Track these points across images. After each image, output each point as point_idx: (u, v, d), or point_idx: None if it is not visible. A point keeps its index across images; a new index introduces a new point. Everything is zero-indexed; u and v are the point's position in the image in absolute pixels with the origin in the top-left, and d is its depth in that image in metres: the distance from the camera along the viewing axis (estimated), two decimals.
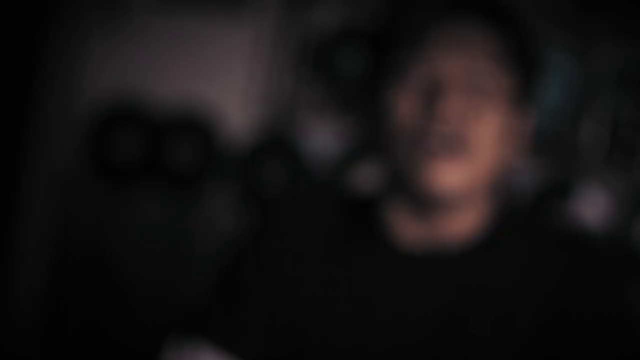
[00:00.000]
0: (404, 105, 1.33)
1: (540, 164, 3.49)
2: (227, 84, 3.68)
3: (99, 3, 3.69)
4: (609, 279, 1.36)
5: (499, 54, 1.35)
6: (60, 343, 3.75)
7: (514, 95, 1.37)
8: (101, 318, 3.74)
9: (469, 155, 1.32)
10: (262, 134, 3.64)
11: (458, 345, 1.31)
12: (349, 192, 1.58)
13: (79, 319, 3.76)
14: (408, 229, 1.38)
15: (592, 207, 3.45)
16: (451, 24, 1.36)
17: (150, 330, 3.74)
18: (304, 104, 3.62)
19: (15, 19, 3.51)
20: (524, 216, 1.45)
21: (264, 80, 3.66)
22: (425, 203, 1.34)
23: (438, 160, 1.31)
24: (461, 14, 1.36)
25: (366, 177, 3.51)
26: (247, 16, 3.65)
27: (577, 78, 3.51)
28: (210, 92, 3.68)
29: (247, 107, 3.67)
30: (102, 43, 3.71)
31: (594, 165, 3.47)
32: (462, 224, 1.37)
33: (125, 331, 3.75)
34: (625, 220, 3.44)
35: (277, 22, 3.64)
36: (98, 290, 3.75)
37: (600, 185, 3.48)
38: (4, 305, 3.62)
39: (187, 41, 3.69)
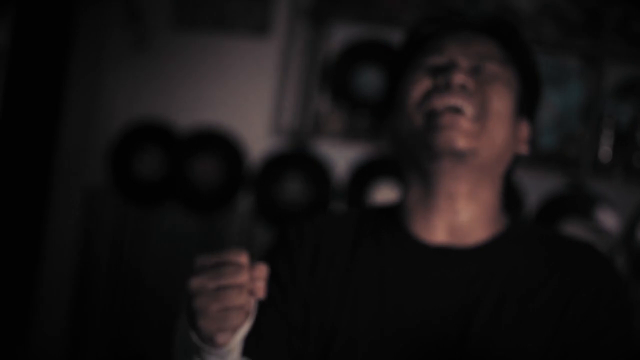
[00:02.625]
0: (418, 86, 1.42)
1: (554, 168, 3.48)
2: (252, 105, 3.72)
3: (126, 30, 3.71)
4: (615, 280, 1.40)
5: (505, 60, 1.44)
6: (84, 353, 3.78)
7: (518, 99, 1.45)
8: (123, 330, 3.77)
9: (480, 125, 1.40)
10: (285, 151, 3.68)
11: (479, 338, 1.35)
12: (370, 205, 1.62)
13: (102, 330, 3.77)
14: (428, 223, 1.44)
15: (608, 212, 3.46)
16: (463, 34, 1.46)
17: (170, 341, 3.75)
18: (327, 123, 3.62)
19: (46, 46, 3.54)
20: (533, 222, 1.50)
21: (288, 99, 3.69)
22: (442, 162, 1.40)
23: (452, 125, 1.38)
24: (470, 27, 1.48)
25: (385, 195, 3.51)
26: (273, 40, 3.70)
27: (591, 85, 3.51)
28: (235, 113, 3.72)
29: (271, 126, 3.71)
30: (129, 67, 3.75)
31: (605, 169, 3.46)
32: (475, 213, 1.43)
33: (147, 343, 3.77)
34: (633, 223, 3.44)
35: (303, 46, 3.67)
36: (121, 304, 3.77)
37: (615, 189, 3.48)
38: (33, 314, 3.64)
39: (212, 63, 3.73)
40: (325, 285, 1.43)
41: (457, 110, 1.39)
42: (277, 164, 3.66)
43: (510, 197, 3.31)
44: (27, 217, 3.59)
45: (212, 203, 3.71)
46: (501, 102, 1.41)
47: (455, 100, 1.38)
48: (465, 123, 1.38)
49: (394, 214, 1.49)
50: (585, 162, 3.46)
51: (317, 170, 3.65)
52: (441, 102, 1.39)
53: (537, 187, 3.51)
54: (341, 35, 3.66)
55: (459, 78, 1.39)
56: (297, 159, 3.67)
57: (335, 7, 3.57)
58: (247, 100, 3.71)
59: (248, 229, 3.70)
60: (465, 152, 1.38)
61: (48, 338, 3.67)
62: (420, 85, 1.42)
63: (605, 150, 3.45)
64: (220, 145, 3.69)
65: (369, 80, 3.65)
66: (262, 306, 1.35)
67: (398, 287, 1.41)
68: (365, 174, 3.62)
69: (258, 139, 3.69)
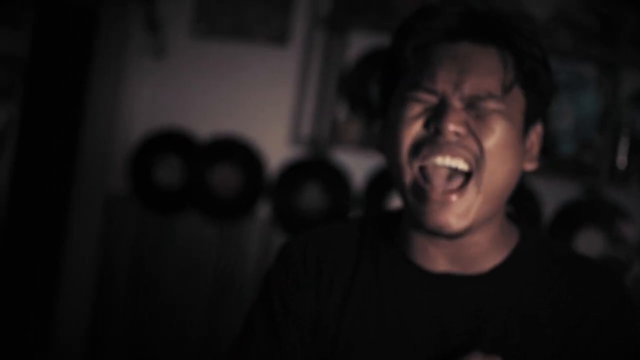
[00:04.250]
0: (408, 132, 1.32)
1: (571, 176, 3.48)
2: (271, 113, 3.74)
3: (146, 39, 3.73)
4: (624, 310, 1.35)
5: (506, 79, 1.32)
6: (104, 358, 3.80)
7: (520, 116, 1.34)
8: (142, 336, 3.79)
9: (474, 187, 1.30)
10: (303, 160, 3.70)
11: None
12: (372, 213, 1.56)
13: (122, 335, 3.79)
14: (428, 253, 1.37)
15: (628, 220, 3.46)
16: (460, 49, 1.32)
17: (191, 349, 3.77)
18: (344, 132, 3.63)
19: (67, 55, 3.56)
20: (545, 238, 1.42)
21: (307, 108, 3.72)
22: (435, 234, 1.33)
23: (443, 203, 1.29)
24: (470, 35, 1.33)
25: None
26: (292, 49, 3.72)
27: (607, 93, 3.51)
28: (254, 121, 3.74)
29: (290, 135, 3.74)
30: (149, 76, 3.78)
31: (622, 176, 3.45)
32: (480, 245, 1.36)
33: (165, 349, 3.79)
34: None
35: (322, 55, 3.69)
36: (141, 310, 3.80)
37: (632, 196, 3.48)
38: (53, 320, 3.67)
39: (231, 72, 3.75)
40: (326, 312, 1.41)
41: (450, 174, 1.30)
42: (295, 173, 3.69)
43: (526, 206, 3.32)
44: (49, 224, 3.61)
45: (231, 211, 3.74)
46: (500, 138, 1.31)
47: (446, 156, 1.29)
48: (458, 200, 1.30)
49: (394, 230, 1.42)
50: (602, 169, 3.46)
51: (334, 179, 3.67)
52: (432, 158, 1.29)
53: (554, 195, 3.52)
54: (359, 44, 3.67)
55: (451, 126, 1.28)
56: (315, 167, 3.69)
57: (354, 17, 3.58)
58: (266, 108, 3.73)
59: (267, 237, 3.72)
60: (460, 232, 1.32)
61: (68, 343, 3.69)
62: (411, 131, 1.31)
63: (622, 158, 3.45)
64: (240, 153, 3.72)
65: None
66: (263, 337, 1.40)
67: (397, 315, 1.38)
68: (383, 182, 3.64)
69: (276, 148, 3.72)
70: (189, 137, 3.74)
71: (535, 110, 1.37)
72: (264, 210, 3.73)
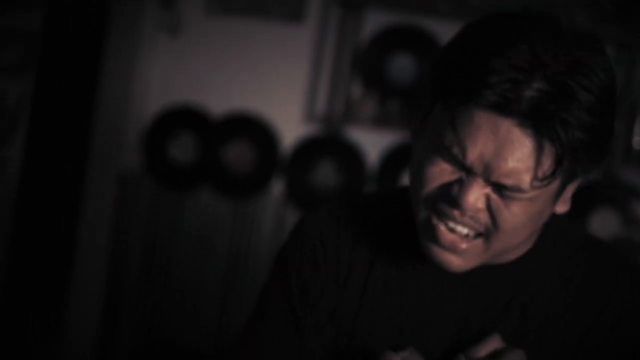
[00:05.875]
0: (431, 182, 1.24)
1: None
2: (285, 91, 3.74)
3: (161, 16, 3.73)
4: None
5: (540, 175, 1.18)
6: (118, 335, 3.83)
7: (552, 193, 1.24)
8: (156, 312, 3.80)
9: (484, 244, 1.25)
10: (318, 137, 3.71)
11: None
12: (394, 191, 1.48)
13: (136, 312, 3.81)
14: None
15: None
16: (504, 122, 1.16)
17: (204, 326, 3.79)
18: (358, 110, 3.63)
19: (81, 32, 3.56)
20: (564, 224, 1.37)
21: (321, 86, 3.71)
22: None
23: (451, 248, 1.25)
24: (519, 116, 1.16)
25: None
26: (307, 27, 3.71)
27: (623, 74, 3.49)
28: (268, 99, 3.74)
29: (304, 112, 3.73)
30: (163, 53, 3.77)
31: (638, 157, 3.44)
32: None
33: (178, 325, 3.81)
34: None
35: (337, 33, 3.68)
36: (154, 286, 3.81)
37: None
38: (67, 297, 3.69)
39: (246, 49, 3.75)
40: (344, 297, 1.38)
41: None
42: (309, 150, 3.69)
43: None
44: (62, 200, 3.62)
45: (244, 188, 3.74)
46: (520, 220, 1.23)
47: (457, 224, 1.24)
48: (466, 245, 1.25)
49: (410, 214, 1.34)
50: (617, 150, 3.45)
51: (348, 156, 3.67)
52: (445, 220, 1.24)
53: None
54: (374, 21, 3.66)
55: (470, 205, 1.21)
56: (329, 144, 3.69)
57: None
58: (280, 86, 3.72)
59: (280, 214, 3.73)
60: (465, 270, 1.28)
61: (82, 321, 3.71)
62: (431, 186, 1.24)
63: (637, 138, 3.44)
64: (254, 130, 3.72)
65: (401, 67, 3.66)
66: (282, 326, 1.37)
67: (417, 304, 1.36)
68: (396, 160, 3.64)
69: (291, 125, 3.71)
70: (203, 113, 3.74)
71: (576, 178, 1.26)
72: (277, 188, 3.73)
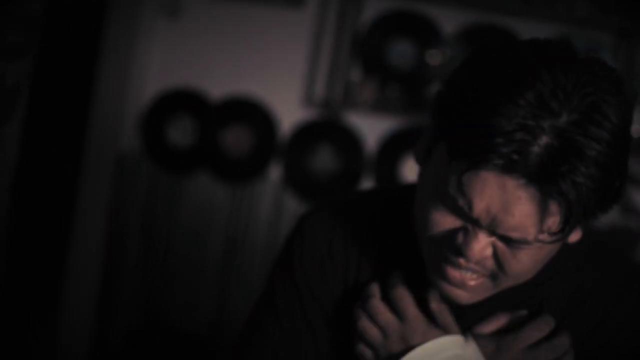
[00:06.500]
0: (436, 229, 1.21)
1: None
2: (285, 75, 3.72)
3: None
4: None
5: (546, 229, 1.15)
6: (115, 317, 3.84)
7: (557, 239, 1.18)
8: (153, 295, 3.81)
9: (492, 282, 1.24)
10: (316, 122, 3.70)
11: None
12: (400, 191, 1.44)
13: (133, 294, 3.81)
14: None
15: None
16: (511, 178, 1.12)
17: (201, 310, 3.79)
18: (358, 94, 3.63)
19: (81, 13, 3.55)
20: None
21: (320, 70, 3.71)
22: None
23: (459, 284, 1.24)
24: (526, 175, 1.11)
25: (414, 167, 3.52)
26: (307, 11, 3.70)
27: (623, 61, 3.49)
28: (268, 83, 3.73)
29: (303, 97, 3.72)
30: (163, 36, 3.76)
31: (637, 146, 3.43)
32: None
33: (176, 307, 3.81)
34: None
35: (336, 17, 3.67)
36: (152, 269, 3.81)
37: None
38: (64, 278, 3.69)
39: (245, 33, 3.74)
40: (348, 302, 1.38)
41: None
42: (307, 134, 3.69)
43: None
44: (60, 181, 3.62)
45: (242, 172, 3.74)
46: (528, 266, 1.21)
47: (462, 271, 1.23)
48: (475, 282, 1.23)
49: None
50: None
51: (347, 141, 3.67)
52: (450, 267, 1.23)
53: None
54: (375, 6, 3.65)
55: (475, 257, 1.19)
56: (327, 129, 3.68)
57: None
58: (280, 70, 3.72)
59: (278, 199, 3.73)
60: (473, 303, 1.28)
61: (79, 301, 3.72)
62: (435, 232, 1.21)
63: (636, 127, 3.44)
64: (252, 114, 3.72)
65: (401, 52, 3.65)
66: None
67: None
68: (395, 146, 3.64)
69: (289, 109, 3.71)
70: (202, 97, 3.73)
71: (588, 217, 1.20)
72: (275, 172, 3.74)
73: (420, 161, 1.26)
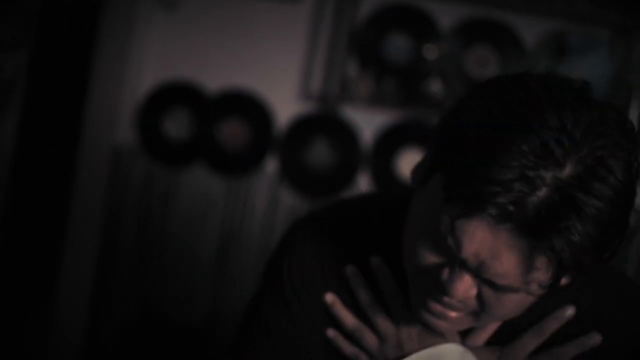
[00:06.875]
0: (423, 264, 1.19)
1: None
2: (281, 68, 3.72)
3: None
4: None
5: (535, 270, 1.11)
6: (110, 310, 3.84)
7: (546, 291, 1.16)
8: (149, 288, 3.80)
9: (474, 317, 1.22)
10: (312, 116, 3.69)
11: None
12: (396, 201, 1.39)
13: (128, 288, 3.81)
14: None
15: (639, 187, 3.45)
16: (501, 229, 1.08)
17: (196, 302, 3.79)
18: (354, 89, 3.63)
19: (77, 5, 3.55)
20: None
21: (317, 64, 3.70)
22: None
23: (441, 316, 1.22)
24: (518, 227, 1.08)
25: (410, 162, 3.51)
26: (304, 4, 3.69)
27: (620, 57, 3.49)
28: (264, 76, 3.72)
29: (299, 90, 3.72)
30: (159, 29, 3.76)
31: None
32: None
33: (171, 301, 3.81)
34: None
35: (333, 11, 3.66)
36: (147, 262, 3.81)
37: None
38: (59, 271, 3.68)
39: (242, 26, 3.73)
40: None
41: None
42: (304, 128, 3.68)
43: None
44: (56, 173, 3.62)
45: (238, 165, 3.74)
46: (512, 309, 1.19)
47: (445, 309, 1.21)
48: (456, 315, 1.21)
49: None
50: None
51: (343, 135, 3.67)
52: (433, 302, 1.21)
53: None
54: (371, 0, 3.64)
55: (458, 297, 1.16)
56: (324, 123, 3.68)
57: None
58: (276, 63, 3.71)
59: (274, 192, 3.73)
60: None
61: (74, 295, 3.72)
62: (423, 261, 1.18)
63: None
64: (249, 108, 3.71)
65: (397, 46, 3.65)
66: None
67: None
68: (391, 140, 3.64)
69: (286, 103, 3.71)
70: (198, 90, 3.73)
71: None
72: (271, 165, 3.73)
73: (416, 185, 1.22)
